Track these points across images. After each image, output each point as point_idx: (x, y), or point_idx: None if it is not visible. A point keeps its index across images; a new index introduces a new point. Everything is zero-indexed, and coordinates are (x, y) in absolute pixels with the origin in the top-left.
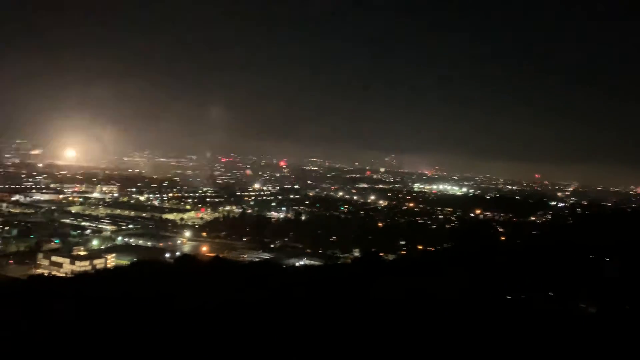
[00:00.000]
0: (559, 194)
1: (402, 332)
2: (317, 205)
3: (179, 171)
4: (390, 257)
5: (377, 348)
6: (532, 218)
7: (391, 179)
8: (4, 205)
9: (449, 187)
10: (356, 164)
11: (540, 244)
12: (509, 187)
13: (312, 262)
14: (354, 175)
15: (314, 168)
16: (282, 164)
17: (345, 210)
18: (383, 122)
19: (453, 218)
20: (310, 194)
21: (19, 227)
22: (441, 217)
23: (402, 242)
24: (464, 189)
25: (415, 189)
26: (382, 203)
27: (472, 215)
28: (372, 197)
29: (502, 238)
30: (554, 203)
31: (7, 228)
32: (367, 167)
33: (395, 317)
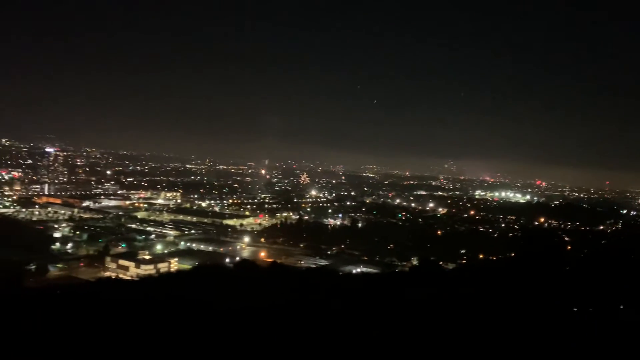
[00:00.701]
0: (631, 202)
1: (464, 345)
2: (374, 212)
3: (238, 178)
4: (450, 265)
5: None
6: (601, 227)
7: (450, 186)
8: (75, 210)
9: (511, 195)
10: (407, 171)
11: (609, 254)
12: (576, 194)
13: (369, 270)
14: (411, 182)
15: (371, 175)
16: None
17: (403, 218)
18: (442, 129)
19: (516, 226)
20: (367, 201)
21: (89, 232)
22: (503, 225)
23: (463, 251)
24: (528, 197)
25: (476, 196)
26: (441, 210)
27: (536, 223)
28: (431, 205)
29: (568, 247)
30: (625, 211)
31: (78, 232)
32: (426, 174)
33: (457, 328)
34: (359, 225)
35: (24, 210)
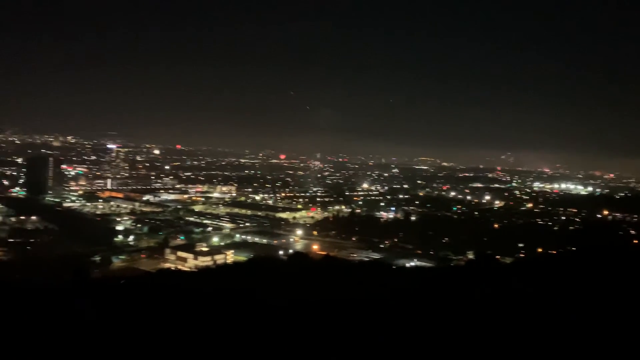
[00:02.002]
0: None
1: (522, 346)
2: (428, 205)
3: (290, 171)
4: (508, 260)
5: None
6: None
7: (508, 178)
8: (137, 204)
9: (572, 186)
10: (461, 163)
11: None
12: None
13: (423, 264)
14: (466, 175)
15: (424, 167)
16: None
17: (458, 211)
18: (499, 119)
19: (577, 219)
20: (420, 194)
21: (149, 225)
22: (563, 218)
23: (520, 245)
24: (590, 188)
25: (535, 189)
26: (498, 203)
27: (598, 216)
28: (487, 197)
29: (635, 241)
30: None
31: (139, 225)
32: (481, 166)
33: (516, 326)
34: (412, 218)
35: (88, 204)
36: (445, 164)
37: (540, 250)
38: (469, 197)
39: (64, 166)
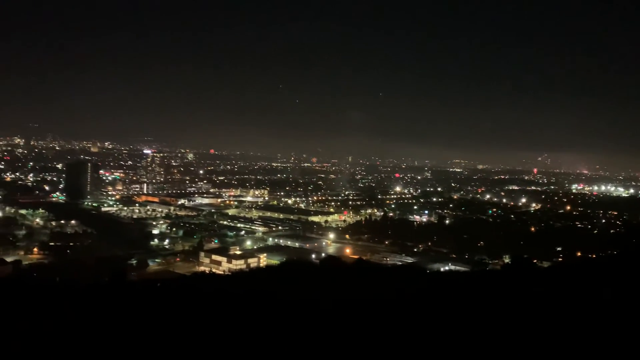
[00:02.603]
0: None
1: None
2: (462, 208)
3: (322, 175)
4: (545, 264)
5: None
6: None
7: (544, 180)
8: (172, 208)
9: (612, 188)
10: (496, 165)
11: None
12: None
13: (458, 268)
14: (502, 177)
15: (458, 170)
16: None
17: (494, 214)
18: (535, 120)
19: (618, 222)
20: (455, 197)
21: (184, 229)
22: (604, 221)
23: (558, 248)
24: (631, 190)
25: (573, 191)
26: (535, 206)
27: None
28: (523, 200)
29: None
30: None
31: (174, 229)
32: (517, 168)
33: (558, 335)
34: (446, 221)
35: (125, 208)
36: (480, 166)
37: (579, 254)
38: (504, 200)
39: (101, 171)
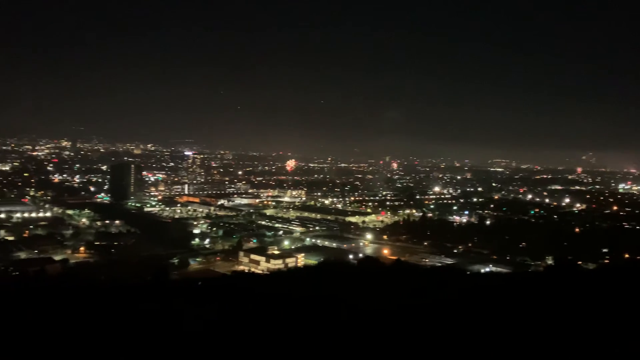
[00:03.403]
0: None
1: None
2: (503, 208)
3: (359, 175)
4: (591, 266)
5: None
6: None
7: (589, 180)
8: (212, 208)
9: None
10: (539, 164)
11: None
12: None
13: (499, 269)
14: (544, 176)
15: (499, 169)
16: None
17: (536, 214)
18: (579, 117)
19: None
20: (495, 197)
21: (223, 228)
22: None
23: (605, 250)
24: None
25: (620, 190)
26: (579, 206)
27: None
28: (567, 200)
29: None
30: None
31: (214, 229)
32: (561, 167)
33: (606, 340)
34: (487, 222)
35: (167, 208)
36: (521, 165)
37: (627, 255)
38: (547, 200)
39: (144, 173)
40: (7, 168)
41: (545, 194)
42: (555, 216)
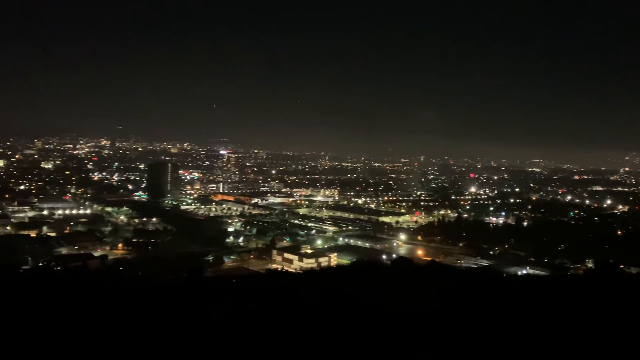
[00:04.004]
0: None
1: None
2: (541, 210)
3: (393, 175)
4: (634, 270)
5: None
6: None
7: (633, 181)
8: (246, 207)
9: None
10: (579, 165)
11: None
12: None
13: (537, 272)
14: (585, 177)
15: (537, 170)
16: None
17: (575, 216)
18: (622, 116)
19: None
20: (533, 198)
21: (257, 227)
22: None
23: None
24: None
25: None
26: (622, 208)
27: None
28: (609, 201)
29: None
30: None
31: (248, 227)
32: (602, 168)
33: None
34: (524, 224)
35: (202, 206)
36: (561, 165)
37: None
38: (587, 202)
39: (180, 171)
40: (50, 166)
41: (585, 195)
42: (596, 218)
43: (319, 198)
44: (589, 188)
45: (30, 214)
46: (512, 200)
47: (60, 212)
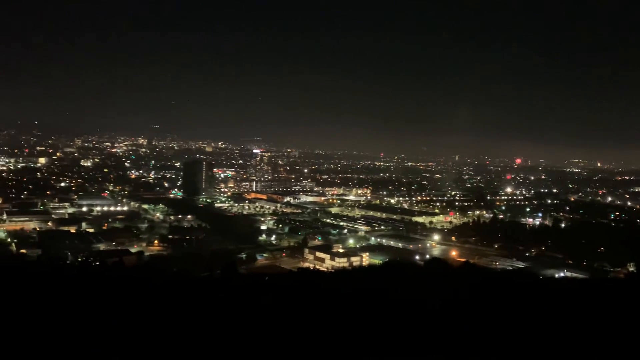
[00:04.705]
0: None
1: None
2: (580, 211)
3: (427, 175)
4: None
5: None
6: None
7: None
8: (278, 205)
9: None
10: (621, 165)
11: None
12: None
13: (575, 275)
14: (627, 178)
15: (576, 170)
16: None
17: (616, 218)
18: None
19: None
20: (571, 199)
21: (289, 225)
22: None
23: None
24: None
25: None
26: None
27: None
28: None
29: None
30: None
31: (280, 226)
32: None
33: None
34: (562, 225)
35: (236, 204)
36: (601, 165)
37: None
38: (629, 203)
39: (215, 170)
40: (89, 164)
41: (627, 196)
42: (638, 220)
43: (351, 197)
44: (631, 189)
45: (70, 210)
46: (549, 201)
47: (98, 208)
